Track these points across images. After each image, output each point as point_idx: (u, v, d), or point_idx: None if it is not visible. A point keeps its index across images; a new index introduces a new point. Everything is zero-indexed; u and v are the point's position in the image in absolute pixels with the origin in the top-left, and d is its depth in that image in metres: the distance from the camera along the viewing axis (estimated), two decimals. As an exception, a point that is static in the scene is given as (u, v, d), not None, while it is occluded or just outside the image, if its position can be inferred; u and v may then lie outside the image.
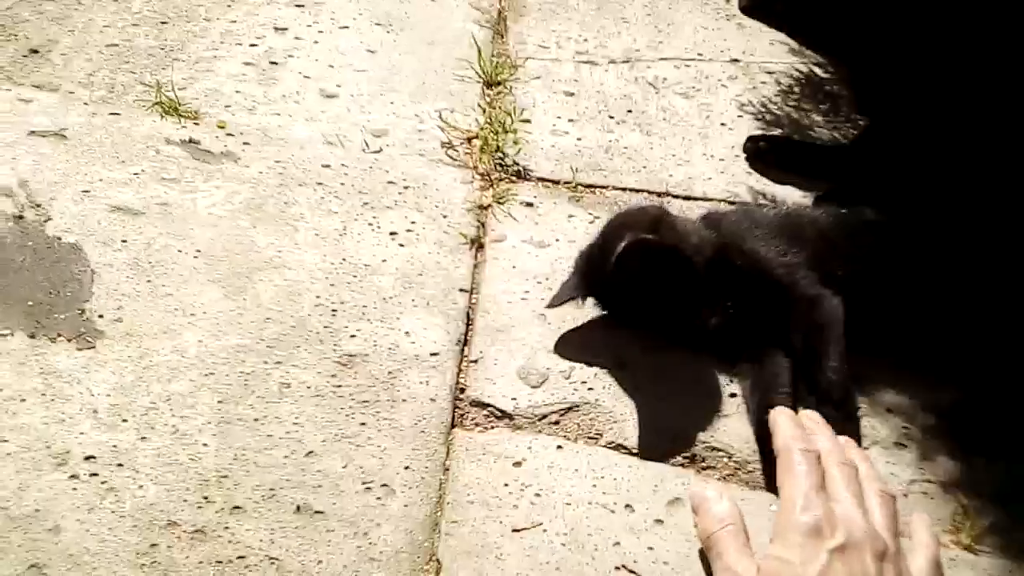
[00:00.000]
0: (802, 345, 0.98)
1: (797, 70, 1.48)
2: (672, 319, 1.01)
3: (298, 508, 0.85)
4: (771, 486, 0.91)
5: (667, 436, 0.96)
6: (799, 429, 0.84)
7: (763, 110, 1.39)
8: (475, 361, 1.00)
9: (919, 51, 1.32)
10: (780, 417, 0.86)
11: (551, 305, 1.04)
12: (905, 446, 0.97)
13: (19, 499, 0.81)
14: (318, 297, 1.03)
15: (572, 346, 1.03)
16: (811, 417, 0.88)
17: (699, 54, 1.49)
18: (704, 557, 0.82)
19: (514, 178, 1.23)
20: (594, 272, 1.02)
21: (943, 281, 1.05)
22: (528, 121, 1.31)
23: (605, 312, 1.06)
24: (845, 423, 0.93)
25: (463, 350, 1.01)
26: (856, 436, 0.96)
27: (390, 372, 0.97)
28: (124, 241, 1.05)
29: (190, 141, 1.19)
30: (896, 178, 1.19)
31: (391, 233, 1.12)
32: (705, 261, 1.00)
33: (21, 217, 1.05)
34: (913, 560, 0.76)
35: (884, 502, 0.78)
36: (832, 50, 1.53)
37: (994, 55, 1.23)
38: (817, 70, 1.48)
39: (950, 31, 1.30)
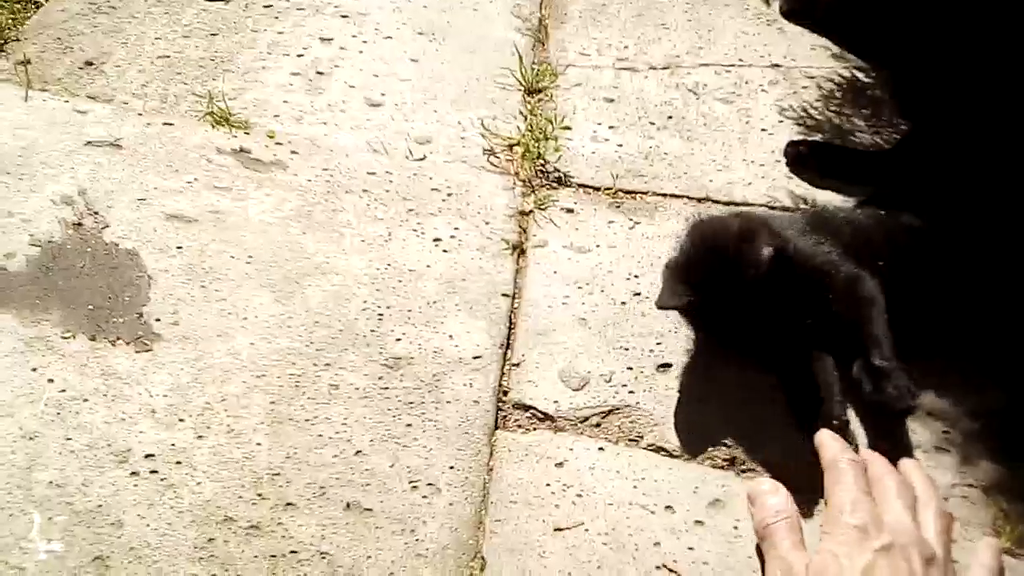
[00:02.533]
0: (845, 319, 1.00)
1: (838, 75, 1.49)
2: (773, 326, 1.00)
3: (348, 505, 0.89)
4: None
5: (708, 438, 0.98)
6: (845, 446, 0.85)
7: (804, 115, 1.40)
8: (517, 364, 1.04)
9: (960, 56, 1.33)
10: (825, 437, 0.87)
11: (660, 306, 1.03)
12: (946, 450, 0.99)
13: (83, 494, 0.86)
14: (365, 302, 1.07)
15: (618, 347, 1.06)
16: (867, 454, 0.88)
17: (740, 59, 1.50)
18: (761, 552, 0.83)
19: (555, 184, 1.26)
20: (700, 277, 1.01)
21: (985, 285, 1.06)
22: (569, 128, 1.34)
23: (697, 323, 1.07)
24: (898, 378, 0.95)
25: (505, 353, 1.05)
26: (911, 394, 0.96)
27: (435, 375, 1.01)
28: (179, 248, 1.10)
29: (241, 150, 1.24)
30: (938, 183, 1.20)
31: (435, 239, 1.16)
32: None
33: (80, 224, 1.10)
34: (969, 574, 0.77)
35: (940, 518, 0.79)
36: (873, 55, 1.54)
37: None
38: (859, 75, 1.49)
39: (991, 36, 1.31)
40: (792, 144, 1.33)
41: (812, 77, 1.48)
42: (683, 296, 1.02)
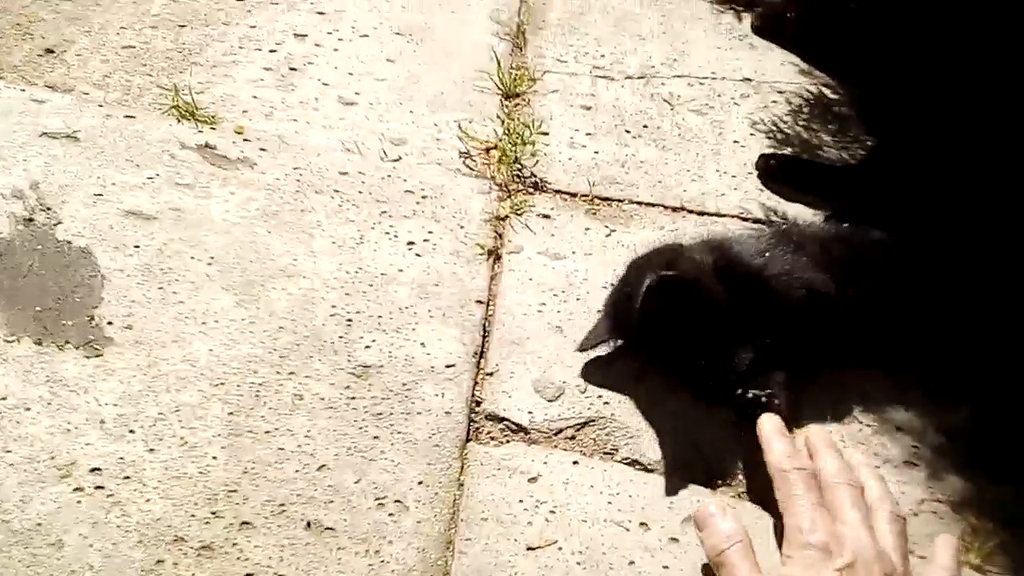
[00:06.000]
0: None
1: (807, 90, 1.42)
2: (701, 360, 0.93)
3: (308, 524, 0.78)
4: (756, 498, 0.87)
5: (683, 452, 0.90)
6: (789, 444, 0.81)
7: (774, 129, 1.34)
8: (491, 374, 0.94)
9: (925, 74, 1.28)
10: (768, 428, 0.84)
11: (582, 348, 0.96)
12: (915, 464, 0.93)
13: (21, 512, 0.74)
14: (333, 306, 0.96)
15: (591, 363, 0.97)
16: (816, 436, 0.84)
17: (713, 72, 1.43)
18: (708, 573, 0.78)
19: (531, 190, 1.17)
20: (622, 315, 0.95)
21: (954, 300, 1.01)
22: (546, 133, 1.25)
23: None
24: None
25: (479, 362, 0.95)
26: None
27: (405, 384, 0.90)
28: (136, 246, 0.98)
29: (206, 146, 1.11)
30: (904, 198, 1.15)
31: (408, 243, 1.05)
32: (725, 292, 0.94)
33: (31, 220, 0.98)
34: None
35: (893, 523, 0.76)
36: (841, 72, 1.48)
37: (1000, 77, 1.19)
38: (826, 91, 1.43)
39: (956, 54, 1.26)
40: (763, 157, 1.27)
41: (782, 92, 1.41)
42: (598, 336, 0.96)
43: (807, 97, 1.41)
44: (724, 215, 1.18)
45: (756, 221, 1.18)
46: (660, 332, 0.92)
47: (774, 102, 1.38)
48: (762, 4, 1.58)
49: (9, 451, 0.78)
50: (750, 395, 0.89)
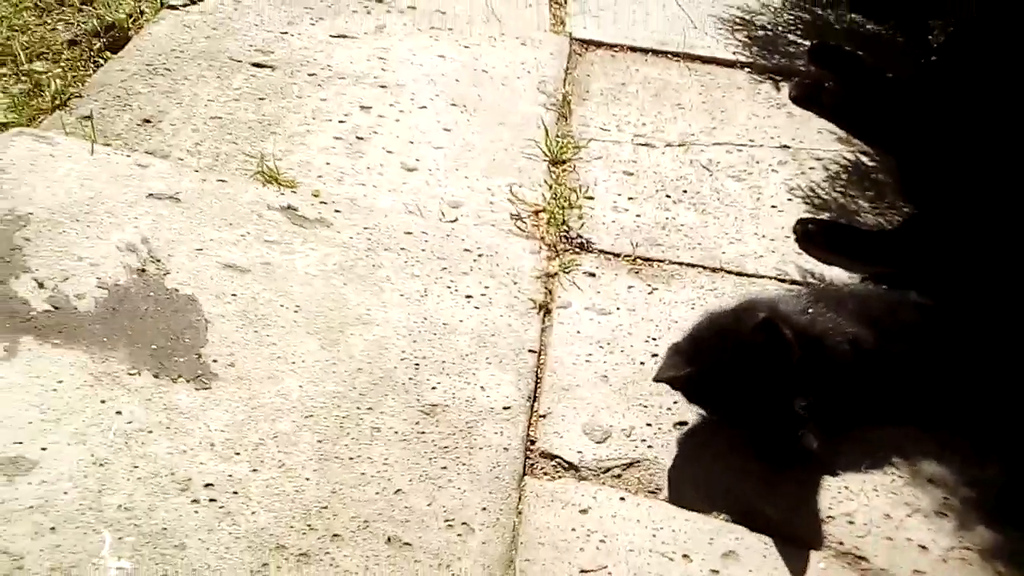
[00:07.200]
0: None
1: (844, 157, 1.65)
2: (766, 405, 1.10)
3: (389, 539, 1.00)
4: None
5: (722, 492, 1.10)
6: None
7: (811, 194, 1.55)
8: (544, 416, 1.16)
9: (963, 143, 1.49)
10: None
11: (656, 379, 1.14)
12: (945, 515, 1.11)
13: (149, 518, 0.97)
14: (403, 352, 1.20)
15: (637, 404, 1.19)
16: None
17: (751, 140, 1.67)
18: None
19: (578, 250, 1.41)
20: (709, 352, 1.12)
21: (988, 360, 1.18)
22: (591, 198, 1.49)
23: (697, 402, 1.17)
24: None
25: (532, 405, 1.17)
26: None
27: (468, 422, 1.13)
28: (233, 295, 1.23)
29: (288, 207, 1.38)
30: (942, 263, 1.33)
31: (467, 296, 1.29)
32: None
33: (143, 270, 1.24)
34: None
35: None
36: (877, 140, 1.70)
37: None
38: (863, 158, 1.65)
39: (994, 124, 1.47)
40: (801, 221, 1.48)
41: (819, 159, 1.64)
42: (671, 370, 1.13)
43: (844, 164, 1.64)
44: (762, 276, 1.40)
45: (794, 282, 1.39)
46: (745, 368, 1.09)
47: (811, 168, 1.61)
48: (800, 74, 1.83)
49: (136, 467, 1.02)
50: (787, 437, 1.08)
